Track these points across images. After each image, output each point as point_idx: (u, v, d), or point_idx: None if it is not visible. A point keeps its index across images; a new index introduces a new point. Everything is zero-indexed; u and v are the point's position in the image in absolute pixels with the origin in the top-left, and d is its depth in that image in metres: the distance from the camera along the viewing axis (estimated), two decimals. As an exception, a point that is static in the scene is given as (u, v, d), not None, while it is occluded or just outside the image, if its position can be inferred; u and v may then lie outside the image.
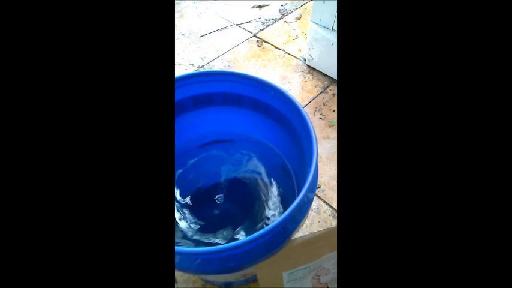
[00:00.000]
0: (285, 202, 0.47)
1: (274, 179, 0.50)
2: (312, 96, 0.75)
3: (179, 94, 0.43)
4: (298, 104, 0.36)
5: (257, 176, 0.51)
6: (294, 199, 0.41)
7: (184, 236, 0.46)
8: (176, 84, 0.41)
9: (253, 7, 1.00)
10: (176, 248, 0.29)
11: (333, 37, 0.71)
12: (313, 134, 0.33)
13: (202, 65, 0.83)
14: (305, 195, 0.30)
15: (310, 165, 0.31)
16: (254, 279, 0.47)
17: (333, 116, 0.70)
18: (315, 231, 0.55)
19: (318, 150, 0.48)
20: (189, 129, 0.47)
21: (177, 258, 0.31)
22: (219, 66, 0.83)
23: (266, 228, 0.28)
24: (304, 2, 1.02)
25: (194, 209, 0.50)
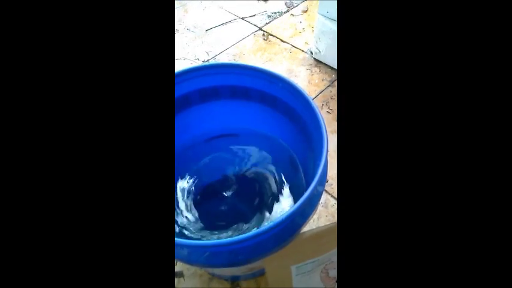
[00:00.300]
0: (292, 196, 0.47)
1: (282, 173, 0.49)
2: (319, 90, 0.74)
3: (185, 87, 0.42)
4: (307, 96, 0.36)
5: (265, 170, 0.51)
6: (302, 193, 0.40)
7: (191, 232, 0.46)
8: (182, 77, 0.41)
9: (258, 0, 0.99)
10: (185, 241, 0.29)
11: (341, 29, 0.70)
12: (323, 127, 0.32)
13: (208, 59, 0.83)
14: (315, 188, 0.29)
15: (320, 159, 0.31)
16: (261, 273, 0.47)
17: (340, 110, 0.70)
18: (322, 225, 0.55)
19: (326, 143, 0.47)
20: (195, 123, 0.46)
21: (185, 251, 0.31)
22: (224, 60, 0.82)
23: (275, 221, 0.28)
24: (311, -6, 1.00)
25: (201, 205, 0.50)
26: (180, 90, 0.42)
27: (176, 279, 0.48)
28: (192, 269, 0.49)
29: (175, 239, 0.28)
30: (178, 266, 0.49)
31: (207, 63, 0.82)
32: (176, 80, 0.40)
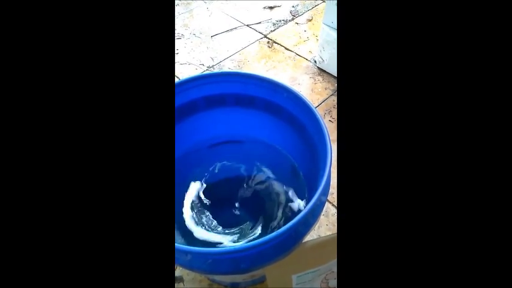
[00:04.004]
0: (295, 205, 0.47)
1: (284, 181, 0.50)
2: (322, 99, 0.75)
3: (192, 94, 0.43)
4: (313, 107, 0.36)
5: (267, 178, 0.51)
6: (304, 201, 0.41)
7: (193, 237, 0.46)
8: (189, 85, 0.42)
9: (264, 8, 1.00)
10: (188, 247, 0.29)
11: (345, 40, 0.71)
12: (327, 139, 0.33)
13: (213, 65, 0.84)
14: (318, 198, 0.30)
15: (323, 169, 0.31)
16: (261, 280, 0.47)
17: (343, 119, 0.70)
18: (323, 234, 0.55)
19: (329, 153, 0.47)
20: (201, 129, 0.47)
21: (188, 258, 0.31)
22: (229, 66, 0.83)
23: (279, 231, 0.28)
24: (316, 3, 1.02)
25: (203, 210, 0.50)
26: (186, 96, 0.42)
27: (176, 284, 0.48)
28: (192, 274, 0.49)
29: (178, 245, 0.28)
30: (178, 271, 0.49)
31: (213, 71, 0.83)
32: (183, 87, 0.41)
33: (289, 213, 0.47)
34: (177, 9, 1.00)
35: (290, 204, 0.47)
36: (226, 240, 0.45)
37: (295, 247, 0.32)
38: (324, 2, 1.00)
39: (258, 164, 0.51)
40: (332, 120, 0.70)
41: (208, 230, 0.46)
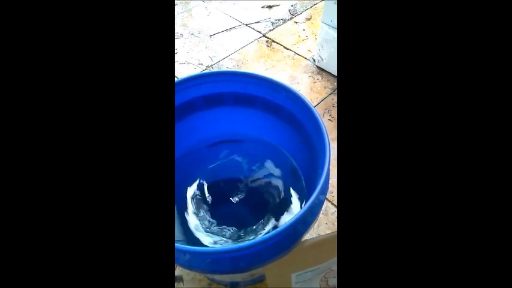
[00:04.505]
0: (293, 203, 0.47)
1: (283, 180, 0.50)
2: (321, 98, 0.75)
3: (190, 93, 0.43)
4: (311, 106, 0.36)
5: (266, 177, 0.51)
6: (303, 200, 0.41)
7: (193, 234, 0.46)
8: (188, 84, 0.42)
9: (263, 7, 1.00)
10: (187, 246, 0.29)
11: (344, 39, 0.71)
12: (326, 138, 0.33)
13: (211, 65, 0.83)
14: (317, 197, 0.30)
15: (322, 168, 0.31)
16: (260, 279, 0.47)
17: (342, 118, 0.70)
18: (322, 232, 0.55)
19: (328, 152, 0.47)
20: (200, 128, 0.47)
21: (187, 257, 0.31)
22: (227, 65, 0.83)
23: (277, 229, 0.28)
24: (315, 2, 1.01)
25: (203, 209, 0.50)
26: (185, 96, 0.42)
27: (175, 284, 0.48)
28: (192, 273, 0.49)
29: (177, 244, 0.28)
30: (178, 271, 0.49)
31: (212, 70, 0.82)
32: (182, 86, 0.41)
33: (288, 212, 0.47)
34: (175, 8, 1.00)
35: (289, 202, 0.47)
36: (225, 239, 0.45)
37: (294, 246, 0.32)
38: (322, 0, 1.00)
39: (257, 163, 0.51)
40: (331, 119, 0.70)
41: (208, 230, 0.46)
